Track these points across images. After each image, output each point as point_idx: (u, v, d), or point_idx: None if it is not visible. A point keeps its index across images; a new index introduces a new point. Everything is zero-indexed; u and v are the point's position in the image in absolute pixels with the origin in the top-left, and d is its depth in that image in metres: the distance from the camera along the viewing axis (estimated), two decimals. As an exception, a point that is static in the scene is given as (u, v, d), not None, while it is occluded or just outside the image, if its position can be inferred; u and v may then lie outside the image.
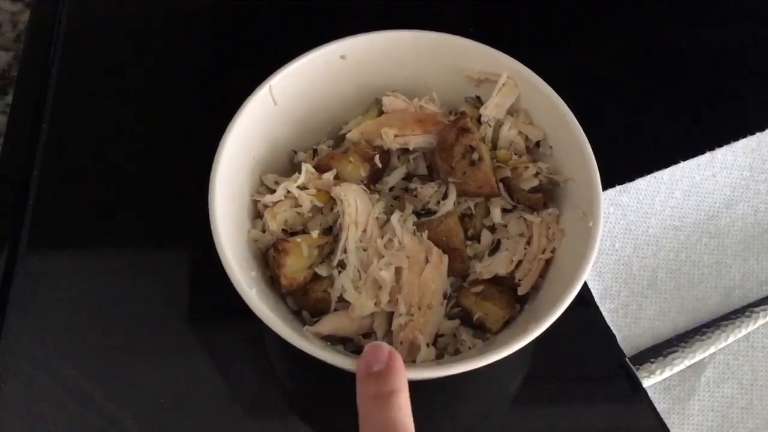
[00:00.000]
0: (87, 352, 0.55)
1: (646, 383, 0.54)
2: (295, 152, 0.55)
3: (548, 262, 0.50)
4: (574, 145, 0.50)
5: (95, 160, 0.63)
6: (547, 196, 0.52)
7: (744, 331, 0.55)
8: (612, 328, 0.56)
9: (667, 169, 0.61)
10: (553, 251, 0.50)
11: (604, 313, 0.57)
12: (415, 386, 0.42)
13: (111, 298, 0.57)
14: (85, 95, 0.66)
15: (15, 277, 0.57)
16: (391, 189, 0.54)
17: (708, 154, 0.62)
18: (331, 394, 0.53)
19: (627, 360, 0.55)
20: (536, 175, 0.51)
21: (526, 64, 0.53)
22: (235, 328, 0.56)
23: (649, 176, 0.61)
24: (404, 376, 0.41)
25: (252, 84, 0.51)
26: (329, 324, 0.48)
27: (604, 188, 0.59)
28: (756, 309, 0.56)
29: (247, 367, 0.56)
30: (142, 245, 0.60)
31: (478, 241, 0.52)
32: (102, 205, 0.61)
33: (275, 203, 0.51)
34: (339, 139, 0.56)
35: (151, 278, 0.58)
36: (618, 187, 0.60)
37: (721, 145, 0.62)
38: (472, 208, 0.52)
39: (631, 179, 0.61)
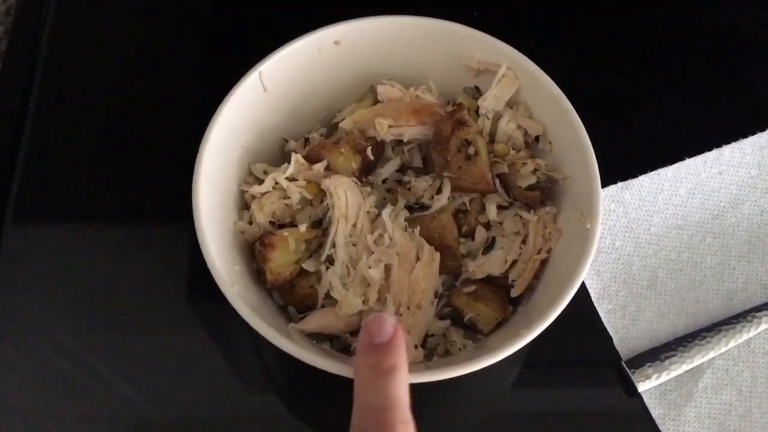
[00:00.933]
0: (75, 327, 0.54)
1: (642, 387, 0.52)
2: (286, 141, 0.53)
3: (544, 263, 0.49)
4: (574, 142, 0.48)
5: (85, 136, 0.62)
6: (545, 193, 0.50)
7: (745, 336, 0.54)
8: (609, 329, 0.55)
9: (672, 165, 0.59)
10: (549, 251, 0.49)
11: (601, 314, 0.55)
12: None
13: (100, 274, 0.56)
14: (76, 71, 0.64)
15: (0, 253, 0.56)
16: (384, 181, 0.53)
17: (715, 151, 0.60)
18: (325, 373, 0.52)
19: (623, 363, 0.53)
20: (534, 171, 0.49)
21: (528, 55, 0.50)
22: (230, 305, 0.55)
23: (652, 173, 0.59)
24: (405, 352, 0.39)
25: (245, 68, 0.49)
26: (315, 321, 0.47)
27: (606, 184, 0.58)
28: (758, 314, 0.54)
29: (243, 344, 0.55)
30: (135, 222, 0.59)
31: (473, 238, 0.50)
32: (92, 182, 0.60)
33: (263, 194, 0.49)
34: (332, 127, 0.55)
35: (143, 255, 0.57)
36: (620, 184, 0.58)
37: (728, 142, 0.60)
38: (467, 203, 0.50)
39: (635, 176, 0.59)
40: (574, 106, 0.48)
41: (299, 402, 0.54)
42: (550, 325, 0.43)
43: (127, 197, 0.59)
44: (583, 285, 0.56)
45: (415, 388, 0.43)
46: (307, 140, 0.54)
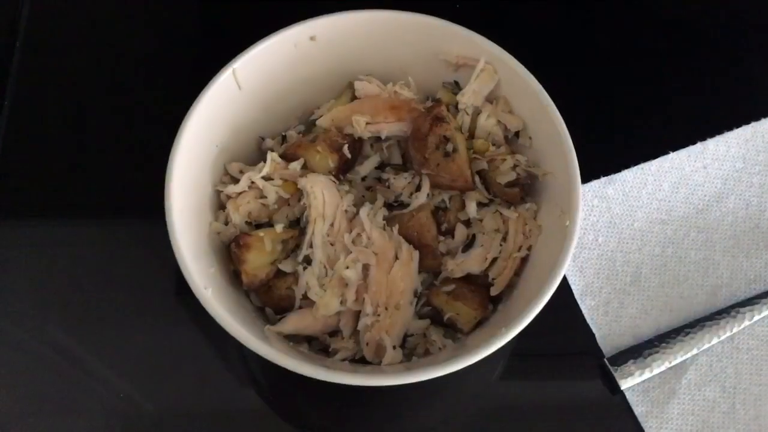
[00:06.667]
0: (66, 322, 0.54)
1: (624, 385, 0.52)
2: (263, 139, 0.53)
3: (524, 260, 0.48)
4: (554, 137, 0.47)
5: (69, 126, 0.61)
6: (525, 190, 0.50)
7: (729, 332, 0.53)
8: (592, 326, 0.54)
9: (656, 160, 0.58)
10: (529, 249, 0.48)
11: (584, 311, 0.55)
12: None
13: (90, 270, 0.56)
14: (54, 57, 0.64)
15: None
16: (363, 179, 0.52)
17: (699, 145, 0.59)
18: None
19: (605, 360, 0.52)
20: (514, 167, 0.49)
21: (510, 47, 0.49)
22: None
23: (636, 167, 0.58)
24: None
25: (220, 65, 0.48)
26: (292, 323, 0.46)
27: (589, 179, 0.57)
28: (742, 309, 0.54)
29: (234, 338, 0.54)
30: (125, 217, 0.58)
31: (452, 236, 0.49)
32: (80, 177, 0.59)
33: (238, 194, 0.49)
34: (310, 125, 0.54)
35: (134, 249, 0.57)
36: (603, 179, 0.58)
37: (713, 136, 0.59)
38: (447, 201, 0.50)
39: (618, 170, 0.58)
40: (556, 100, 0.47)
41: (289, 396, 0.53)
42: (533, 323, 0.43)
43: (115, 192, 0.59)
44: (565, 281, 0.55)
45: (397, 387, 0.42)
46: (284, 138, 0.53)
